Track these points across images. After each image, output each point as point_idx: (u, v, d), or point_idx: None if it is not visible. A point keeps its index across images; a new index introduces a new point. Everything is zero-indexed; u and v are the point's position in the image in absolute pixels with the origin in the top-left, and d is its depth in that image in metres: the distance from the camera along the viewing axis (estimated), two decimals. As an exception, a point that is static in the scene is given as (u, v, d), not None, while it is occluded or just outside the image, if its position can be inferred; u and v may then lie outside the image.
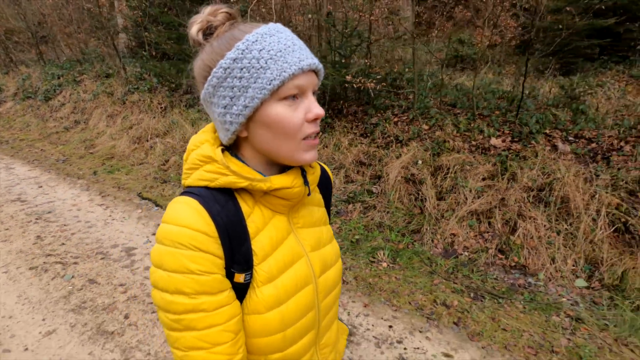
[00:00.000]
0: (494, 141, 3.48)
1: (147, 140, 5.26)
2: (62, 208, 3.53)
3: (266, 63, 0.51)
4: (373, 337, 1.92)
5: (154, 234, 3.03)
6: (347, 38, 4.01)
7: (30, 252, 2.73)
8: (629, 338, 1.91)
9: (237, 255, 0.55)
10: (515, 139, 3.41)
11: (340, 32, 4.08)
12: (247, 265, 0.56)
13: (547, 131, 3.39)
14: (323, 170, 0.76)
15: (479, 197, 3.01)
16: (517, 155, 3.22)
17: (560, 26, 4.00)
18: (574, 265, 2.50)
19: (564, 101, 3.90)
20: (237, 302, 0.56)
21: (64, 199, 3.75)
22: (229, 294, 0.54)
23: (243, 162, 0.58)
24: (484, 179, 3.14)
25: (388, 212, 3.27)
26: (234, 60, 0.52)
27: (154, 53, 5.67)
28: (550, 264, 2.53)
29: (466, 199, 3.03)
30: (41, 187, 4.10)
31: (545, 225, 2.72)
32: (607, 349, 1.83)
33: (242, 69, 0.52)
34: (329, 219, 0.75)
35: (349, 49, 4.00)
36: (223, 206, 0.55)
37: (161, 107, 5.78)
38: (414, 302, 2.21)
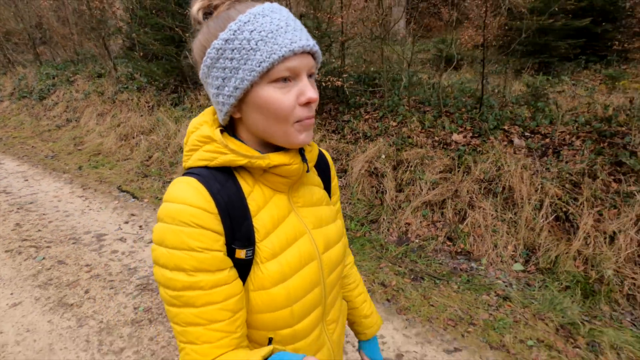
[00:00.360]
0: (455, 137, 3.66)
1: (133, 138, 5.50)
2: (44, 199, 3.75)
3: (256, 44, 0.51)
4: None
5: (126, 222, 3.24)
6: (318, 39, 4.21)
7: (7, 237, 2.95)
8: (547, 314, 2.07)
9: (238, 232, 0.56)
10: (475, 135, 3.59)
11: (312, 33, 4.29)
12: (248, 242, 0.57)
13: (506, 127, 3.56)
14: (321, 154, 0.77)
15: (434, 189, 3.19)
16: (474, 150, 3.40)
17: (538, 26, 4.18)
18: (513, 251, 2.67)
19: (528, 99, 4.07)
20: (238, 282, 0.57)
21: (46, 191, 3.98)
22: (229, 273, 0.55)
23: (241, 142, 0.60)
24: (440, 172, 3.32)
25: (350, 204, 3.45)
26: (226, 41, 0.52)
27: (141, 54, 5.92)
28: (493, 249, 2.70)
29: (422, 190, 3.21)
30: (27, 180, 4.34)
31: (492, 215, 2.89)
32: (523, 323, 1.99)
33: (233, 50, 0.52)
34: (330, 198, 0.77)
35: (320, 50, 4.21)
36: (223, 185, 0.56)
37: (148, 106, 6.02)
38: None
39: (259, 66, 0.51)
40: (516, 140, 3.42)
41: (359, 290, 0.89)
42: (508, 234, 2.76)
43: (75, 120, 6.63)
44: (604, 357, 1.84)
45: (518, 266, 2.57)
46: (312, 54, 0.55)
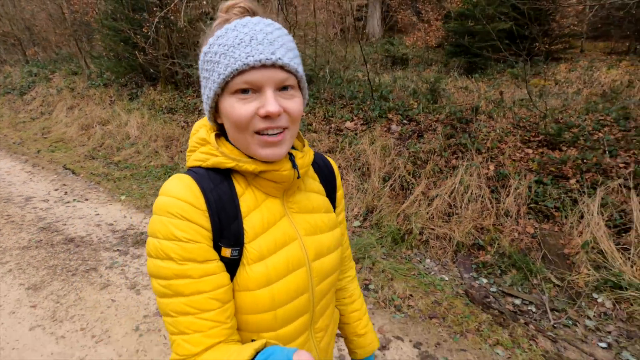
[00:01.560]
0: (348, 124, 4.33)
1: (92, 127, 6.28)
2: (-3, 173, 4.52)
3: (219, 57, 0.55)
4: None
5: (56, 190, 3.96)
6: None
7: (-46, 197, 3.70)
8: (359, 253, 2.71)
9: (227, 231, 0.59)
10: (364, 122, 4.25)
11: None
12: (236, 242, 0.59)
13: (390, 115, 4.21)
14: (327, 164, 0.79)
15: (314, 165, 3.85)
16: (356, 135, 4.05)
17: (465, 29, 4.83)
18: (357, 212, 3.30)
19: (425, 93, 4.72)
20: (226, 274, 0.60)
21: (2, 167, 4.75)
22: (217, 264, 0.58)
23: (234, 146, 0.63)
24: (325, 153, 3.97)
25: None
26: (205, 53, 0.58)
27: (105, 53, 6.75)
28: (345, 211, 3.34)
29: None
30: (-11, 160, 5.13)
31: (352, 185, 3.53)
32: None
33: (206, 62, 0.58)
34: (334, 209, 0.78)
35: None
36: (217, 185, 0.60)
37: (110, 100, 6.83)
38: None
39: (219, 78, 0.55)
40: (393, 127, 4.07)
41: (354, 307, 0.88)
42: (358, 199, 3.40)
43: (49, 113, 7.48)
44: (384, 274, 2.48)
45: (356, 223, 3.20)
46: (281, 66, 0.56)
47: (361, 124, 4.28)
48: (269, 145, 0.58)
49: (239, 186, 0.63)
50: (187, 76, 6.20)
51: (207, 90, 0.59)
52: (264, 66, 0.54)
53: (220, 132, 0.66)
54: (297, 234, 0.66)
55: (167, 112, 5.83)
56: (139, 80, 6.84)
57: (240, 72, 0.54)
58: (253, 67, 0.54)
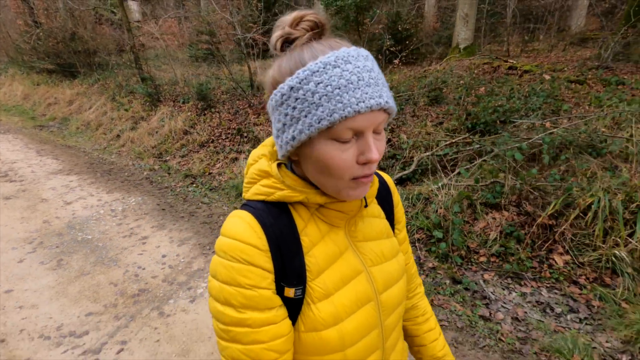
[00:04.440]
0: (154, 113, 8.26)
1: (41, 102, 10.38)
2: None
3: (320, 99, 0.53)
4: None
5: (-5, 134, 8.01)
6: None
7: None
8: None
9: (289, 269, 0.61)
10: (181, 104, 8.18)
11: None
12: (299, 280, 0.62)
13: (191, 103, 8.13)
14: (382, 182, 0.80)
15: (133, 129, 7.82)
16: (149, 113, 7.98)
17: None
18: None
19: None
20: (287, 322, 0.62)
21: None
22: (277, 312, 0.60)
23: (298, 175, 0.65)
24: (128, 129, 7.92)
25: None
26: (291, 88, 0.55)
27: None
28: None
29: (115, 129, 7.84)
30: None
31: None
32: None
33: (296, 99, 0.55)
34: (393, 229, 0.80)
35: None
36: (276, 219, 0.62)
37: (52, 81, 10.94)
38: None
39: (319, 123, 0.53)
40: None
41: (429, 325, 0.89)
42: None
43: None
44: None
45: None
46: (384, 109, 0.57)
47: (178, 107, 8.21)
48: (360, 186, 0.60)
49: (300, 218, 0.65)
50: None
51: (295, 131, 0.57)
52: (371, 111, 0.55)
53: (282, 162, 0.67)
54: (362, 265, 0.68)
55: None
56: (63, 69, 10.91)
57: (346, 119, 0.53)
58: (359, 114, 0.54)
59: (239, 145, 5.38)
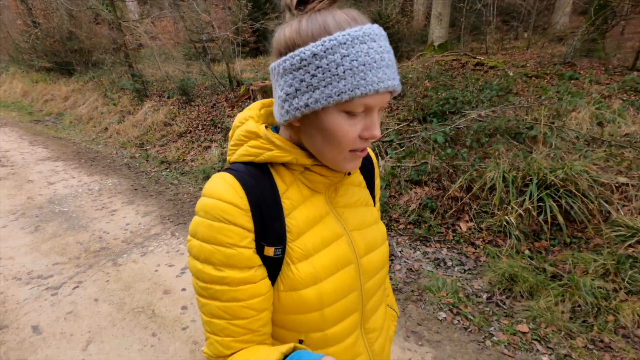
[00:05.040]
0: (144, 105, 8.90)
1: (38, 98, 11.10)
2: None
3: (344, 72, 0.54)
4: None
5: (-7, 128, 8.69)
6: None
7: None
8: None
9: (270, 230, 0.64)
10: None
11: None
12: (279, 241, 0.64)
13: (175, 98, 8.74)
14: (367, 154, 0.80)
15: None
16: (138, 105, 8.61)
17: None
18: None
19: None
20: (265, 282, 0.64)
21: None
22: (256, 272, 0.63)
23: (284, 139, 0.66)
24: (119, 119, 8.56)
25: (90, 125, 8.77)
26: (314, 55, 0.55)
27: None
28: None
29: (105, 120, 8.48)
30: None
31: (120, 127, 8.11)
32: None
33: (317, 68, 0.55)
34: (374, 202, 0.83)
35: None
36: (258, 181, 0.64)
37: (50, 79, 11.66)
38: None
39: (338, 96, 0.55)
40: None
41: (388, 301, 0.96)
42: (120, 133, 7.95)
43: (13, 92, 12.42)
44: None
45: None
46: (392, 91, 0.59)
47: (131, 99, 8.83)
48: (356, 158, 0.64)
49: (282, 182, 0.67)
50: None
51: (310, 99, 0.57)
52: (386, 92, 0.57)
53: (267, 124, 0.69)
54: (343, 229, 0.71)
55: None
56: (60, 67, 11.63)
57: (365, 96, 0.55)
58: (377, 93, 0.56)
59: (212, 135, 5.95)
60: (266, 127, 0.68)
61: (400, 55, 9.55)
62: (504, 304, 2.53)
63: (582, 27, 7.52)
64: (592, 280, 2.50)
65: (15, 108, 10.67)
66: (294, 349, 0.58)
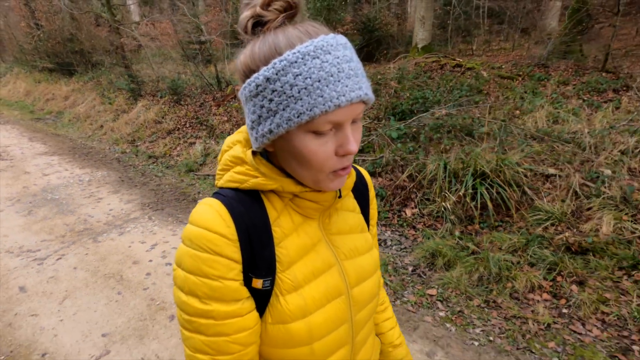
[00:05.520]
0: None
1: (40, 97, 11.74)
2: (-27, 119, 9.96)
3: (299, 93, 0.53)
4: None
5: (-4, 125, 9.29)
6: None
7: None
8: None
9: (259, 259, 0.62)
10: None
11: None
12: (267, 271, 0.62)
13: (167, 97, 9.28)
14: (359, 175, 0.82)
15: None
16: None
17: None
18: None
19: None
20: (253, 315, 0.63)
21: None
22: (243, 304, 0.61)
23: (273, 164, 0.65)
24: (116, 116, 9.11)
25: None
26: (267, 79, 0.54)
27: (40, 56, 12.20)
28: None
29: (104, 114, 9.03)
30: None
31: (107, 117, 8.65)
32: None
33: (273, 92, 0.54)
34: (368, 227, 0.82)
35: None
36: (248, 208, 0.62)
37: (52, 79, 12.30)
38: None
39: (298, 117, 0.53)
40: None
41: (386, 315, 0.94)
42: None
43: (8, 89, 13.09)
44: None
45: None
46: (363, 101, 0.57)
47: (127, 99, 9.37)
48: (338, 177, 0.62)
49: (273, 209, 0.65)
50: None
51: (272, 125, 0.56)
52: (351, 104, 0.55)
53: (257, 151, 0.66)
54: (335, 259, 0.70)
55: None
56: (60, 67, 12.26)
57: (327, 113, 0.53)
58: (339, 108, 0.54)
59: (198, 132, 6.44)
60: (255, 152, 0.65)
61: (389, 57, 10.01)
62: (425, 274, 2.96)
63: (561, 29, 7.92)
64: (502, 255, 2.92)
65: (17, 107, 11.31)
66: None
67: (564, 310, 2.48)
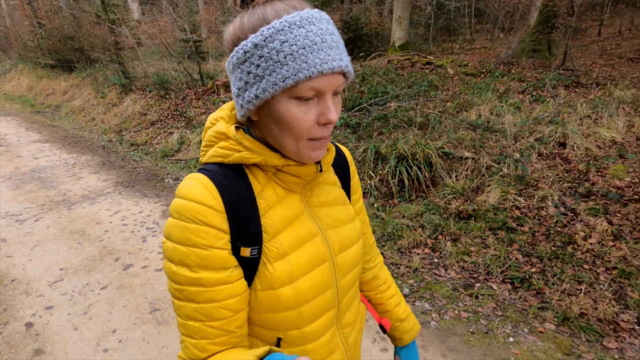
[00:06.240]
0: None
1: (41, 92, 12.66)
2: (-23, 112, 10.88)
3: (285, 58, 0.57)
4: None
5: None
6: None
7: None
8: None
9: (245, 230, 0.67)
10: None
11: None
12: (255, 241, 0.67)
13: (154, 92, 10.08)
14: (339, 151, 0.89)
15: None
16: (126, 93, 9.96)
17: None
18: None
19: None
20: (241, 282, 0.68)
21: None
22: (232, 272, 0.66)
23: (256, 139, 0.70)
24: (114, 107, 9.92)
25: (83, 116, 10.18)
26: (255, 45, 0.59)
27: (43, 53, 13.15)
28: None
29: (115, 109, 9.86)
30: (-24, 108, 11.57)
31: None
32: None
33: (260, 57, 0.59)
34: (349, 199, 0.88)
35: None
36: (232, 182, 0.67)
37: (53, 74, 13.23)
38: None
39: (283, 82, 0.58)
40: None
41: (390, 292, 1.03)
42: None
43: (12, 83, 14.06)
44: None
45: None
46: (343, 72, 0.63)
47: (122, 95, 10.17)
48: (319, 147, 0.67)
49: (257, 182, 0.70)
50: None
51: (258, 90, 0.61)
52: (332, 73, 0.60)
53: (240, 125, 0.71)
54: (318, 228, 0.75)
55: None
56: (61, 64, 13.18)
57: (310, 78, 0.58)
58: (322, 75, 0.59)
59: (177, 122, 7.18)
60: (237, 128, 0.69)
61: (369, 55, 10.66)
62: (336, 236, 3.61)
63: (527, 29, 8.49)
64: (401, 220, 3.56)
65: (20, 101, 12.24)
66: (269, 352, 0.60)
67: (435, 260, 3.12)
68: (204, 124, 7.37)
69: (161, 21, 13.82)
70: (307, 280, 0.71)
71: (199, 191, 0.63)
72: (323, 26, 0.60)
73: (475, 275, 2.91)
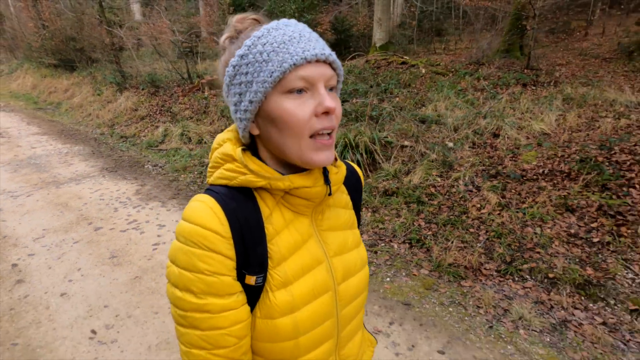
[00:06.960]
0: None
1: (44, 90, 13.62)
2: (-17, 108, 11.85)
3: (268, 56, 0.62)
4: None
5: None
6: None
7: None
8: None
9: (252, 256, 0.67)
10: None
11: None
12: (260, 268, 0.68)
13: (147, 89, 10.92)
14: (352, 171, 0.89)
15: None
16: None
17: None
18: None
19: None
20: (246, 308, 0.69)
21: (-14, 107, 12.10)
22: (237, 298, 0.67)
23: (263, 162, 0.71)
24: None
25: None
26: (241, 56, 0.65)
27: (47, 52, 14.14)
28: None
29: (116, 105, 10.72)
30: (-18, 104, 12.55)
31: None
32: (69, 128, 9.48)
33: (247, 64, 0.64)
34: (359, 223, 0.90)
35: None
36: (240, 204, 0.68)
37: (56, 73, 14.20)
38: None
39: (271, 76, 0.62)
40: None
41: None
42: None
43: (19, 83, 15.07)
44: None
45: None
46: (329, 63, 0.66)
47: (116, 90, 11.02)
48: (323, 148, 0.66)
49: (265, 206, 0.71)
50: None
51: (250, 95, 0.64)
52: (317, 61, 0.63)
53: (247, 147, 0.73)
54: (324, 255, 0.76)
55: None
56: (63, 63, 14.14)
57: (296, 67, 0.61)
58: (309, 62, 0.62)
59: (164, 117, 7.97)
60: (245, 150, 0.71)
61: (352, 55, 11.38)
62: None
63: (499, 30, 9.12)
64: (336, 196, 4.25)
65: (24, 99, 13.22)
66: None
67: (354, 227, 3.79)
68: (187, 118, 8.02)
69: (157, 23, 14.72)
70: (307, 311, 0.72)
71: (206, 215, 0.65)
72: (300, 27, 0.66)
73: (382, 238, 3.59)
